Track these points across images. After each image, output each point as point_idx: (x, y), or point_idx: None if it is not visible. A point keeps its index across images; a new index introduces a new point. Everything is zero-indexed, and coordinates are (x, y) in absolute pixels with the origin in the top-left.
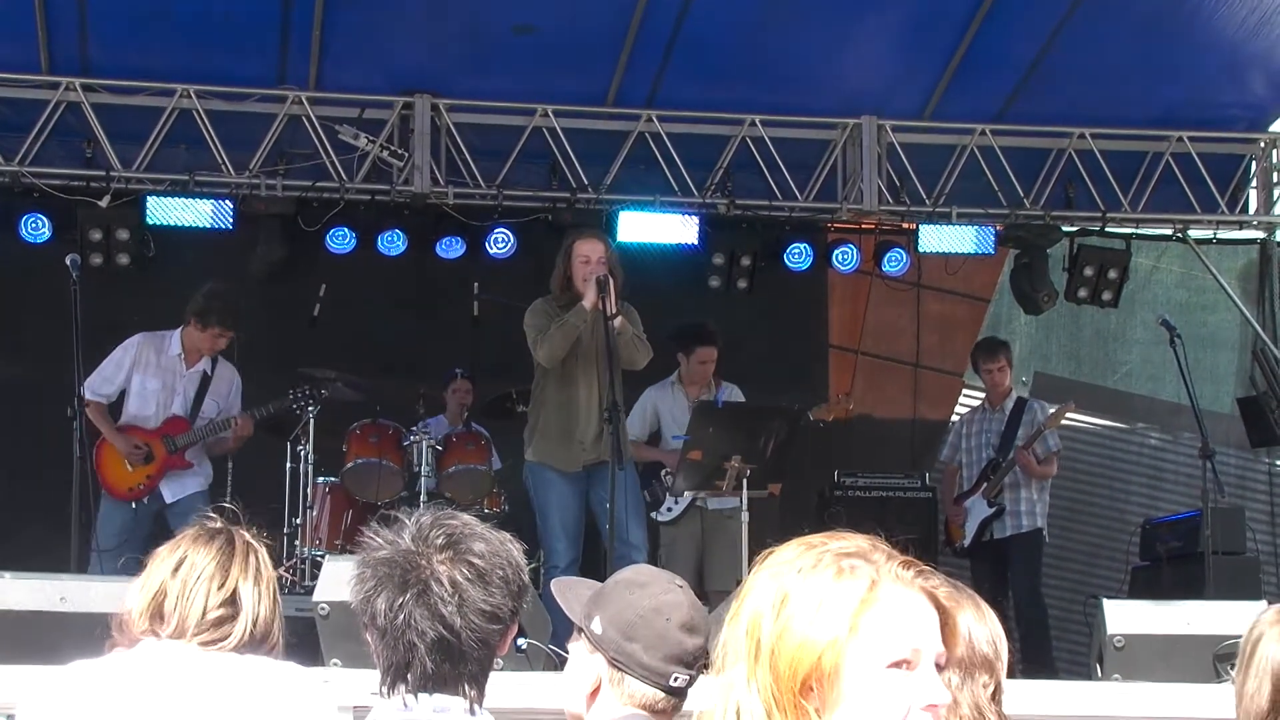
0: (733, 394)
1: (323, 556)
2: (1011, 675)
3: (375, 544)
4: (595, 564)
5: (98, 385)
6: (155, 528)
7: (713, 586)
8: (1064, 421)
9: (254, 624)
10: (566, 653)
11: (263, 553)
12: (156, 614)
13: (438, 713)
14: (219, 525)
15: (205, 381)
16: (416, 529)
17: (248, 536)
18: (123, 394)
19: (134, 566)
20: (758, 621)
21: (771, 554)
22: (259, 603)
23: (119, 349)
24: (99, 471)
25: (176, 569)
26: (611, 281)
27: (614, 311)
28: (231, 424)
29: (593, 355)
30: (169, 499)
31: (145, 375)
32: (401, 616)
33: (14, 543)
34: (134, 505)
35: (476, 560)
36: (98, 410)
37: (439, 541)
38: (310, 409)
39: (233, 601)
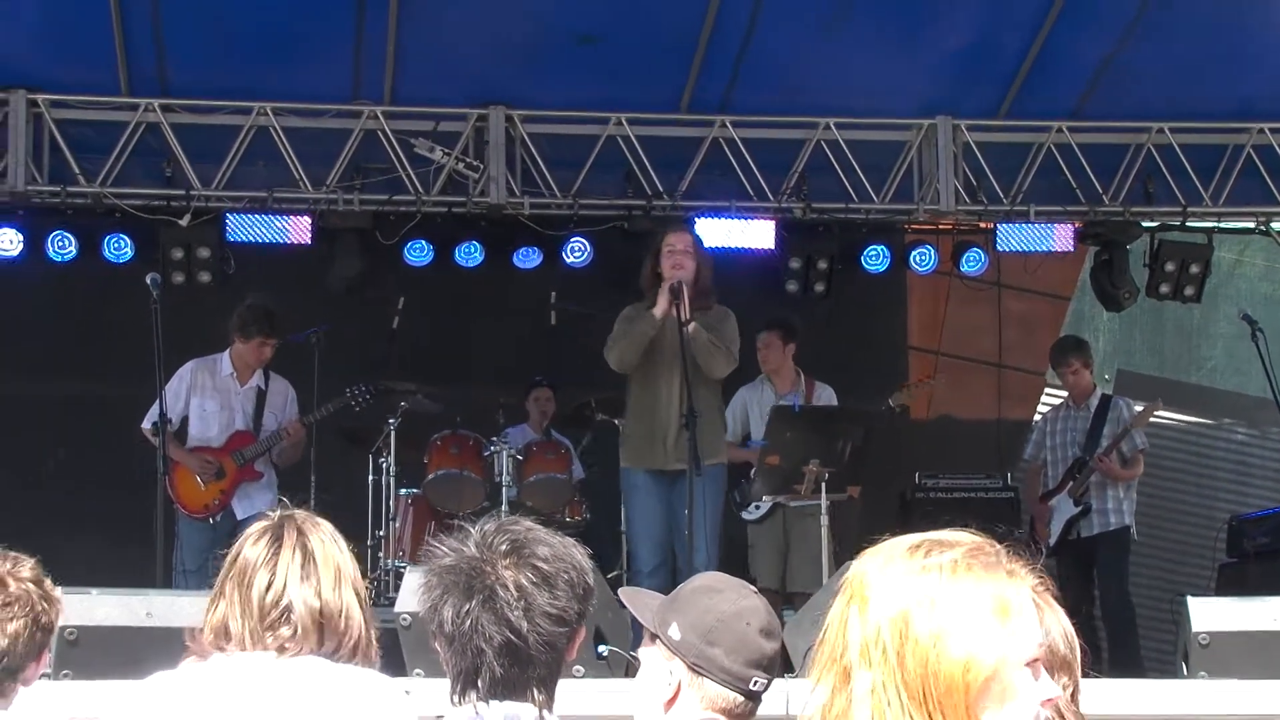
0: (826, 396)
1: (405, 568)
2: (1100, 674)
3: (440, 552)
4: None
5: (158, 416)
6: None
7: (795, 588)
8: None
9: (314, 619)
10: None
11: (323, 537)
12: (221, 629)
13: (509, 719)
14: (270, 520)
15: (261, 397)
16: (480, 536)
17: (300, 523)
18: (185, 421)
19: None
20: (901, 627)
21: (872, 554)
22: (317, 594)
23: (174, 378)
24: (175, 494)
25: (228, 577)
26: (685, 289)
27: (687, 319)
28: (282, 434)
29: (673, 359)
30: (240, 515)
31: (203, 399)
32: (468, 623)
33: (101, 559)
34: (211, 522)
35: (541, 564)
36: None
37: (503, 547)
38: (366, 401)
39: (283, 597)
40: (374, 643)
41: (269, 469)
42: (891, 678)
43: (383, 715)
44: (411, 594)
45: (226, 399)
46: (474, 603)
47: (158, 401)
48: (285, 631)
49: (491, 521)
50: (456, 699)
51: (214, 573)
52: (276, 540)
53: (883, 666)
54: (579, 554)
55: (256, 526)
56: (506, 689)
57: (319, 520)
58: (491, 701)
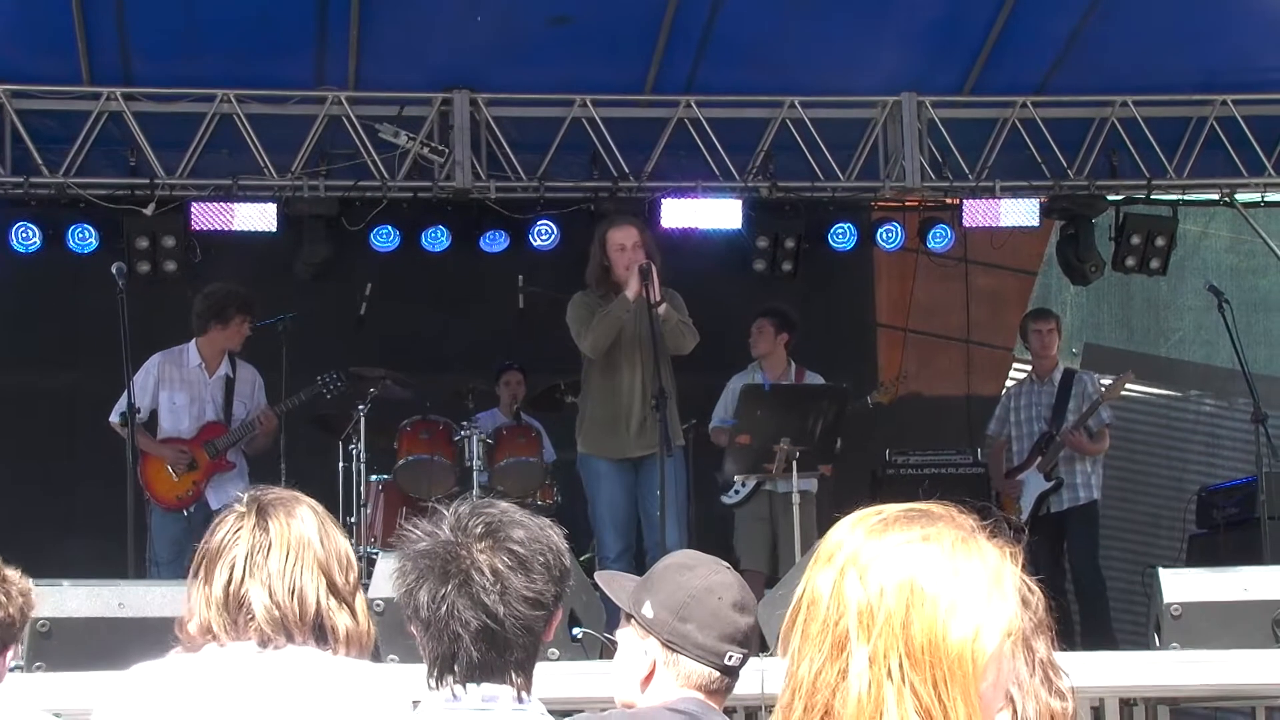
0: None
1: (378, 554)
2: (1073, 647)
3: (415, 536)
4: (639, 556)
5: (126, 407)
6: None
7: (785, 570)
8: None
9: (270, 613)
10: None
11: (289, 521)
12: (198, 622)
13: (487, 702)
14: (237, 507)
15: (230, 385)
16: (455, 519)
17: (268, 506)
18: (154, 415)
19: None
20: (908, 595)
21: (855, 523)
22: (267, 586)
23: (140, 372)
24: (147, 486)
25: (198, 568)
26: (654, 268)
27: (658, 299)
28: (257, 423)
29: (637, 342)
30: (215, 505)
31: (172, 392)
32: (444, 607)
33: (70, 550)
34: (185, 514)
35: (516, 547)
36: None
37: (478, 530)
38: (337, 389)
39: (241, 588)
40: (363, 630)
41: (240, 458)
42: (894, 646)
43: (375, 703)
44: (385, 580)
45: (196, 390)
46: (450, 587)
47: (125, 393)
48: (255, 624)
49: (466, 504)
50: (433, 683)
51: (190, 565)
52: (237, 531)
53: (886, 635)
54: (555, 536)
55: (223, 515)
56: (484, 673)
57: (293, 500)
58: (469, 685)
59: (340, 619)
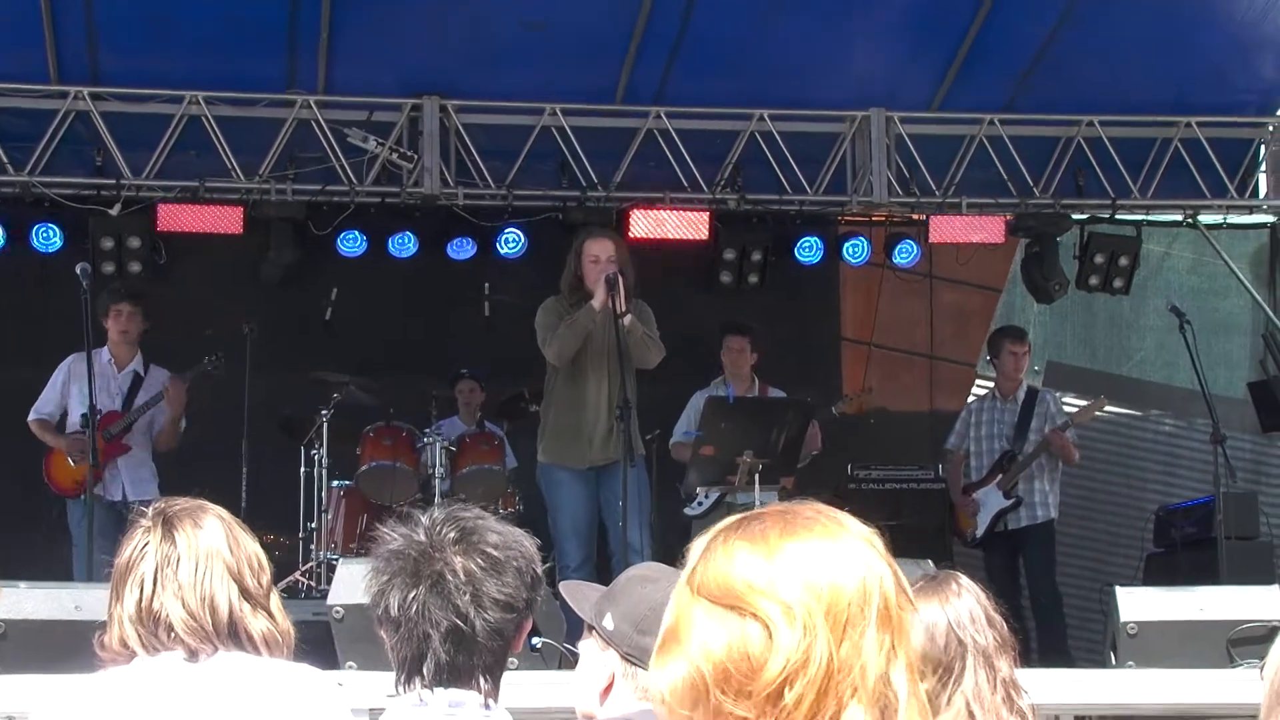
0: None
1: (338, 560)
2: (1029, 664)
3: (389, 539)
4: (601, 565)
5: (40, 406)
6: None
7: None
8: (1070, 408)
9: (187, 623)
10: (579, 651)
11: (193, 532)
12: (118, 637)
13: (453, 707)
14: (143, 520)
15: (137, 380)
16: (430, 523)
17: (173, 518)
18: (65, 412)
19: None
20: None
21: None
22: (179, 598)
23: (56, 371)
24: (47, 476)
25: (115, 583)
26: (621, 280)
27: (624, 310)
28: (164, 393)
29: (603, 353)
30: (132, 496)
31: (81, 386)
32: (415, 608)
33: (25, 550)
34: (82, 500)
35: (490, 550)
36: (41, 426)
37: (452, 534)
38: (219, 365)
39: (153, 602)
40: (283, 629)
41: (142, 445)
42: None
43: (317, 707)
44: (344, 586)
45: (105, 384)
46: (422, 588)
47: (40, 397)
48: (175, 636)
49: (441, 509)
50: (401, 687)
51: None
52: (144, 546)
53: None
54: (528, 543)
55: (130, 530)
56: (452, 676)
57: (198, 510)
58: (436, 689)
59: (256, 623)
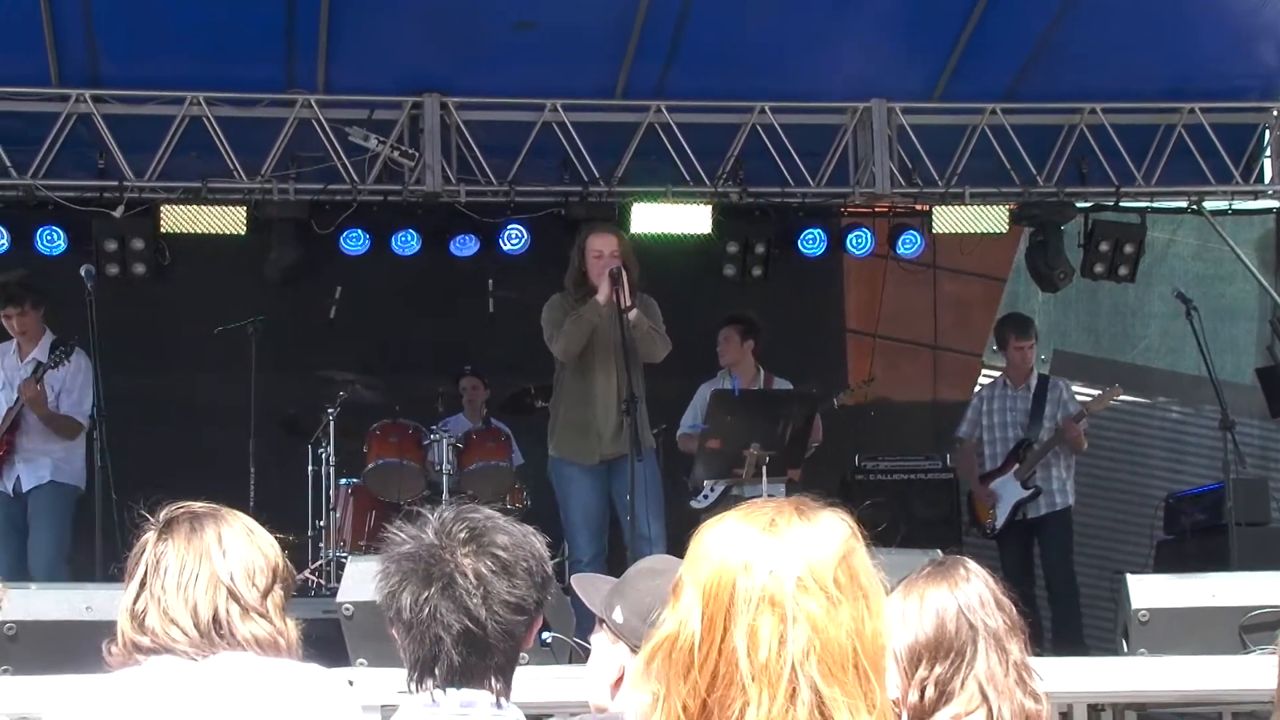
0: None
1: (347, 558)
2: (1042, 652)
3: (399, 540)
4: (616, 558)
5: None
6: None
7: None
8: (1081, 396)
9: (178, 621)
10: (590, 645)
11: (190, 533)
12: (124, 641)
13: (465, 707)
14: (152, 524)
15: (38, 369)
16: (439, 523)
17: (175, 525)
18: None
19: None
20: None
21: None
22: (178, 590)
23: None
24: None
25: (131, 584)
26: (625, 274)
27: (629, 305)
28: (20, 392)
29: (610, 348)
30: (26, 486)
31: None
32: (427, 610)
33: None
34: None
35: (500, 552)
36: None
37: (462, 535)
38: (64, 356)
39: (146, 615)
40: (279, 631)
41: (32, 439)
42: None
43: (326, 706)
44: (354, 583)
45: (11, 376)
46: (433, 590)
47: None
48: (160, 640)
49: (450, 509)
50: (413, 686)
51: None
52: (141, 551)
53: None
54: (538, 542)
55: (138, 531)
56: (464, 677)
57: (203, 515)
58: (448, 689)
59: (244, 628)
